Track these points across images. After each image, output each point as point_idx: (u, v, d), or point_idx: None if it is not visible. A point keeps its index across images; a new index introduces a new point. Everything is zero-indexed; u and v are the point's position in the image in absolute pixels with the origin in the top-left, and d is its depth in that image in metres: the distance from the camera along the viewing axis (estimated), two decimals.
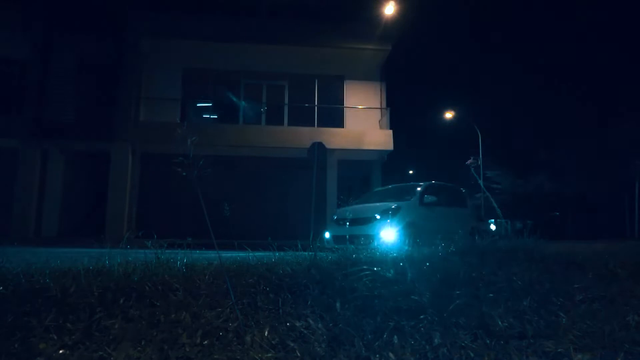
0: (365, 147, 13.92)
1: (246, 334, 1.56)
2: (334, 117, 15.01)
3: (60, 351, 1.41)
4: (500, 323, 1.69)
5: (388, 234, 7.34)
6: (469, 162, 25.67)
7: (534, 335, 1.63)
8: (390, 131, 14.13)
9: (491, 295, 2.06)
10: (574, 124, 25.94)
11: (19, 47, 12.90)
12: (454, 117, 25.95)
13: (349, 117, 15.06)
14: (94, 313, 1.68)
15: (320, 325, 1.63)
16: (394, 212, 7.66)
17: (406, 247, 6.73)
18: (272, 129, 13.93)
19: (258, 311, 1.82)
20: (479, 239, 7.80)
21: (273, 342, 1.53)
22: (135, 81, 13.42)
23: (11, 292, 1.82)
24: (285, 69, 14.79)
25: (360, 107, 15.03)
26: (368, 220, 7.75)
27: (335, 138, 13.53)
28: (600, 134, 24.21)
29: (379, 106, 15.10)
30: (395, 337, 1.54)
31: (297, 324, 1.66)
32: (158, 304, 1.83)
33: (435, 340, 1.53)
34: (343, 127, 14.80)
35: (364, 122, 14.78)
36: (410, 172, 37.54)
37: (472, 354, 1.46)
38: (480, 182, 23.54)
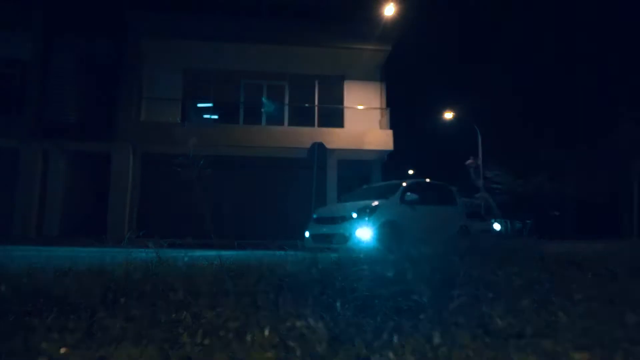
0: (366, 147, 13.93)
1: (247, 334, 1.57)
2: (334, 117, 15.03)
3: (62, 350, 1.42)
4: (499, 322, 1.70)
5: (363, 233, 7.17)
6: (468, 162, 25.65)
7: (533, 334, 1.64)
8: (391, 131, 14.14)
9: (491, 294, 2.07)
10: (574, 124, 25.95)
11: (19, 47, 12.93)
12: (454, 117, 25.96)
13: (349, 117, 15.07)
14: (95, 313, 1.69)
15: (320, 325, 1.63)
16: (371, 211, 7.46)
17: (381, 247, 6.65)
18: (272, 129, 13.95)
19: (258, 311, 1.83)
20: (467, 238, 7.63)
21: (273, 341, 1.53)
22: (135, 81, 13.44)
23: (13, 291, 1.83)
24: (285, 69, 14.81)
25: (360, 107, 15.04)
26: (344, 219, 7.57)
27: (336, 138, 13.54)
28: (601, 134, 24.21)
29: (379, 106, 15.11)
30: (395, 336, 1.55)
31: (298, 323, 1.66)
32: (159, 303, 1.84)
33: (435, 340, 1.54)
34: (343, 127, 14.81)
35: (364, 122, 14.79)
36: (411, 172, 37.51)
37: (471, 353, 1.47)
38: (480, 182, 23.54)
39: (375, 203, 7.68)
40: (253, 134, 13.61)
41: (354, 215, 7.46)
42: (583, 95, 27.48)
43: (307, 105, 15.02)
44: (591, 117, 25.57)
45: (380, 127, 14.68)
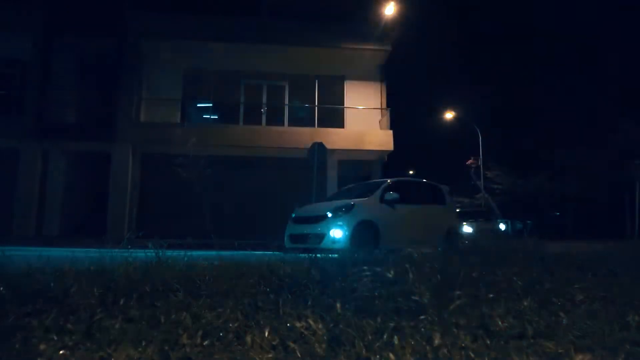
0: (366, 147, 13.93)
1: (246, 335, 1.57)
2: (335, 118, 15.02)
3: (61, 352, 1.42)
4: (500, 323, 1.69)
5: (337, 233, 7.03)
6: (469, 162, 25.66)
7: (534, 335, 1.63)
8: (391, 131, 14.14)
9: (491, 295, 2.06)
10: (574, 124, 25.95)
11: (19, 47, 12.93)
12: (455, 117, 25.96)
13: (349, 117, 15.06)
14: (95, 313, 1.68)
15: (320, 325, 1.63)
16: (347, 210, 7.29)
17: (355, 247, 6.55)
18: (272, 129, 13.94)
19: (258, 311, 1.82)
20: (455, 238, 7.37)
21: (273, 342, 1.53)
22: (135, 81, 13.44)
23: (12, 292, 1.82)
24: (285, 69, 14.81)
25: (360, 107, 15.03)
26: (320, 218, 7.42)
27: (336, 138, 13.53)
28: (601, 134, 24.21)
29: (379, 106, 15.11)
30: (396, 337, 1.55)
31: (298, 324, 1.66)
32: (158, 304, 1.83)
33: (436, 341, 1.53)
34: (343, 127, 14.80)
35: (364, 122, 14.79)
36: (411, 172, 37.52)
37: (472, 354, 1.46)
38: (481, 182, 23.54)
39: (352, 202, 7.52)
40: (253, 134, 13.61)
41: (329, 214, 7.31)
42: (583, 95, 27.48)
43: (307, 105, 15.01)
44: (592, 117, 25.57)
45: (381, 127, 14.67)
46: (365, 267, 2.35)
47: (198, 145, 10.96)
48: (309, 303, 1.91)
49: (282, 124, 14.70)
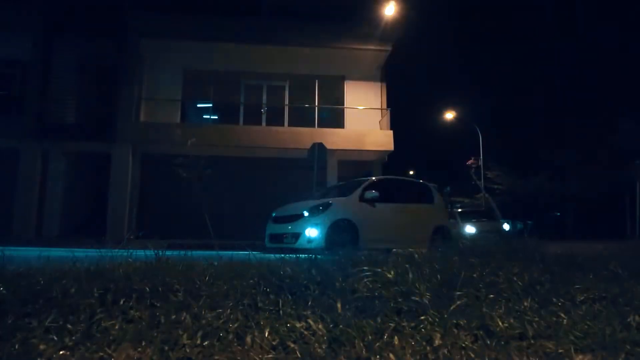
0: (366, 147, 13.93)
1: (246, 335, 1.57)
2: (335, 118, 15.02)
3: (61, 352, 1.42)
4: (500, 324, 1.69)
5: (312, 232, 6.95)
6: (469, 162, 25.66)
7: (534, 336, 1.63)
8: (391, 132, 14.14)
9: (492, 295, 2.06)
10: (574, 124, 25.93)
11: (19, 47, 12.93)
12: (455, 117, 25.97)
13: (349, 117, 15.06)
14: (95, 314, 1.68)
15: (320, 326, 1.63)
16: (324, 209, 7.20)
17: (331, 246, 6.51)
18: (272, 130, 13.94)
19: (258, 312, 1.82)
20: (444, 237, 7.23)
21: (273, 343, 1.53)
22: (135, 82, 13.44)
23: (12, 293, 1.82)
24: (285, 69, 14.81)
25: (360, 107, 15.03)
26: (296, 217, 7.34)
27: (336, 138, 13.54)
28: (601, 134, 24.21)
29: (379, 106, 15.11)
30: (396, 337, 1.54)
31: (298, 324, 1.66)
32: (158, 304, 1.83)
33: (436, 341, 1.53)
34: (343, 127, 14.81)
35: (364, 122, 14.79)
36: (411, 172, 37.53)
37: (472, 355, 1.46)
38: (481, 182, 23.54)
39: (329, 201, 7.47)
40: (253, 135, 13.61)
41: (305, 214, 7.22)
42: (584, 95, 27.49)
43: (307, 105, 15.02)
44: (592, 116, 25.56)
45: (381, 128, 14.68)
46: (365, 268, 2.35)
47: (198, 145, 10.94)
48: (309, 303, 1.91)
49: (282, 124, 14.71)
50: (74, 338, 1.49)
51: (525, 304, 1.96)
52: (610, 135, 23.36)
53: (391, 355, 1.42)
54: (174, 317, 1.69)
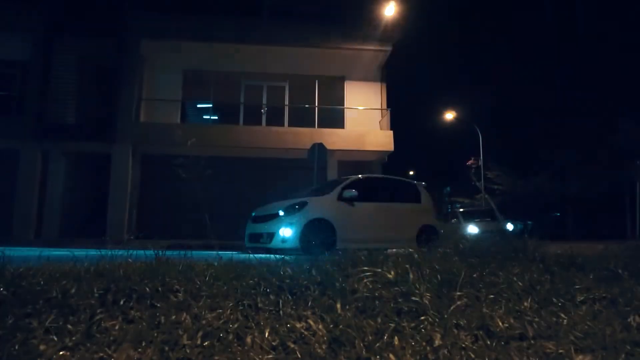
0: (366, 148, 13.93)
1: (247, 335, 1.57)
2: (335, 118, 15.03)
3: (61, 352, 1.42)
4: (500, 324, 1.69)
5: (287, 232, 6.86)
6: (469, 162, 25.66)
7: (534, 336, 1.63)
8: (391, 132, 14.14)
9: (492, 296, 2.06)
10: (574, 124, 25.92)
11: (19, 48, 12.94)
12: (455, 117, 25.96)
13: (349, 117, 15.07)
14: (95, 314, 1.68)
15: (320, 326, 1.63)
16: (299, 208, 7.10)
17: (306, 246, 6.47)
18: (272, 130, 13.94)
19: (258, 312, 1.82)
20: (430, 237, 6.90)
21: (274, 343, 1.53)
22: (135, 82, 13.45)
23: (12, 293, 1.82)
24: (285, 70, 14.82)
25: (360, 107, 15.04)
26: (272, 217, 7.26)
27: (336, 139, 13.54)
28: (601, 134, 24.19)
29: (379, 107, 15.12)
30: (396, 338, 1.54)
31: (298, 325, 1.66)
32: (158, 305, 1.83)
33: (436, 342, 1.53)
34: (343, 127, 14.81)
35: (364, 122, 14.80)
36: (411, 172, 37.53)
37: (472, 355, 1.46)
38: (481, 183, 23.54)
39: (305, 200, 7.36)
40: (253, 135, 13.61)
41: (281, 213, 7.13)
42: (584, 95, 27.47)
43: (307, 105, 15.02)
44: (592, 116, 25.54)
45: (381, 128, 14.68)
46: (365, 268, 2.35)
47: (198, 145, 10.94)
48: (310, 304, 1.91)
49: (282, 124, 14.71)
50: (74, 338, 1.49)
51: (526, 304, 1.96)
52: (610, 135, 23.34)
53: (391, 356, 1.42)
54: (174, 317, 1.69)
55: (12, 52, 13.19)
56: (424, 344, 1.52)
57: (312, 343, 1.52)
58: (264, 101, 15.10)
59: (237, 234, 8.47)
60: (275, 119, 14.84)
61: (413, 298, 1.94)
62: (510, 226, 15.30)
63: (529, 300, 2.01)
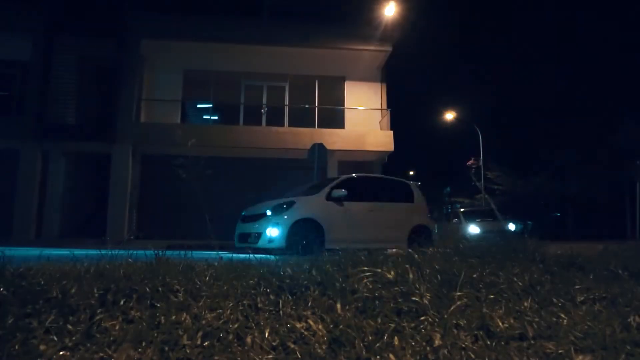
0: (366, 148, 13.93)
1: (247, 336, 1.57)
2: (335, 118, 15.03)
3: (61, 353, 1.42)
4: (500, 324, 1.69)
5: (273, 232, 6.82)
6: (469, 163, 25.66)
7: (534, 336, 1.63)
8: (391, 132, 14.14)
9: (492, 296, 2.06)
10: (574, 123, 25.93)
11: (19, 48, 12.93)
12: (455, 118, 25.96)
13: (349, 118, 15.06)
14: (95, 314, 1.68)
15: (320, 326, 1.63)
16: (287, 208, 7.05)
17: (293, 246, 6.44)
18: (272, 130, 13.94)
19: (258, 312, 1.82)
20: (424, 237, 6.92)
21: (274, 343, 1.53)
22: (136, 82, 13.45)
23: (12, 293, 1.82)
24: (285, 70, 14.82)
25: (360, 108, 15.03)
26: (260, 216, 7.23)
27: (336, 139, 13.54)
28: (601, 134, 24.21)
29: (379, 107, 15.11)
30: (396, 338, 1.54)
31: (298, 325, 1.66)
32: (158, 305, 1.83)
33: (436, 342, 1.53)
34: (343, 128, 14.81)
35: (364, 123, 14.79)
36: (411, 172, 37.54)
37: (472, 355, 1.46)
38: (481, 183, 23.54)
39: (293, 200, 7.30)
40: (253, 135, 13.61)
41: (268, 213, 7.09)
42: (584, 94, 27.48)
43: (307, 106, 15.02)
44: (592, 116, 25.56)
45: (381, 128, 14.68)
46: (365, 268, 2.35)
47: (198, 145, 10.93)
48: (310, 304, 1.91)
49: (282, 124, 14.71)
50: (74, 338, 1.49)
51: (526, 304, 1.96)
52: (610, 135, 23.36)
53: (391, 356, 1.42)
54: (174, 317, 1.69)
55: (12, 52, 13.19)
56: (424, 344, 1.52)
57: (312, 343, 1.52)
58: (264, 101, 15.10)
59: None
60: (275, 119, 14.83)
61: (413, 298, 1.94)
62: (512, 226, 15.24)
63: (529, 300, 2.01)
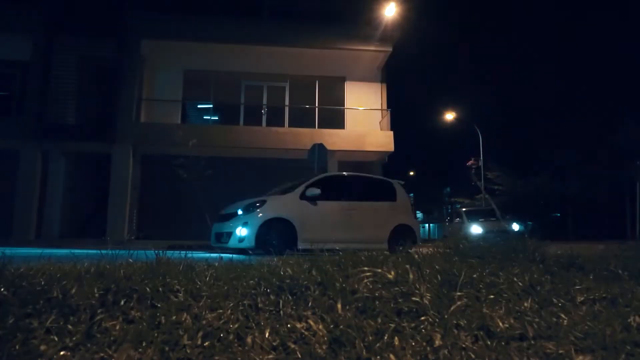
0: (366, 148, 13.94)
1: (247, 336, 1.57)
2: (335, 118, 15.03)
3: (61, 353, 1.42)
4: (501, 324, 1.69)
5: (243, 231, 6.77)
6: (469, 163, 25.65)
7: (535, 336, 1.63)
8: (391, 132, 14.15)
9: (492, 296, 2.06)
10: (574, 124, 25.94)
11: (20, 48, 12.94)
12: (455, 118, 25.97)
13: (349, 118, 15.07)
14: (95, 314, 1.68)
15: (321, 326, 1.63)
16: (258, 207, 7.00)
17: (263, 246, 6.42)
18: (272, 130, 13.94)
19: (259, 312, 1.82)
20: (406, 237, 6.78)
21: (274, 343, 1.53)
22: (136, 82, 13.45)
23: (12, 294, 1.82)
24: (286, 70, 14.82)
25: (361, 108, 15.03)
26: (232, 216, 7.19)
27: (336, 139, 13.54)
28: (601, 134, 24.21)
29: (379, 107, 15.12)
30: (396, 338, 1.54)
31: (298, 325, 1.66)
32: (159, 305, 1.83)
33: (436, 342, 1.53)
34: (344, 128, 14.81)
35: (364, 123, 14.80)
36: (411, 172, 37.54)
37: (472, 355, 1.46)
38: (481, 183, 23.53)
39: (264, 199, 7.27)
40: (253, 135, 13.61)
41: (240, 212, 7.06)
42: (585, 95, 27.49)
43: (307, 106, 15.02)
44: (592, 116, 25.57)
45: (381, 128, 14.68)
46: (365, 268, 2.35)
47: (198, 146, 10.96)
48: (310, 304, 1.91)
49: (283, 124, 14.71)
50: (74, 339, 1.49)
51: (526, 304, 1.96)
52: (610, 135, 23.36)
53: (391, 356, 1.42)
54: (174, 317, 1.69)
55: (12, 52, 13.20)
56: (424, 344, 1.52)
57: (312, 343, 1.52)
58: (264, 101, 15.10)
59: None
60: (275, 119, 14.84)
61: (413, 298, 1.93)
62: (516, 226, 15.22)
63: (529, 300, 2.01)
